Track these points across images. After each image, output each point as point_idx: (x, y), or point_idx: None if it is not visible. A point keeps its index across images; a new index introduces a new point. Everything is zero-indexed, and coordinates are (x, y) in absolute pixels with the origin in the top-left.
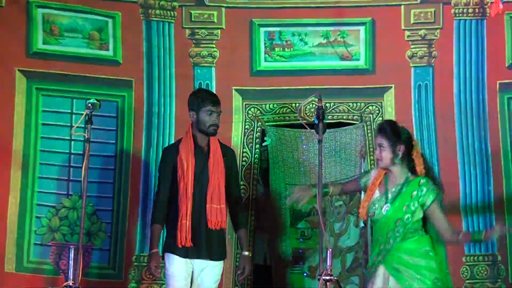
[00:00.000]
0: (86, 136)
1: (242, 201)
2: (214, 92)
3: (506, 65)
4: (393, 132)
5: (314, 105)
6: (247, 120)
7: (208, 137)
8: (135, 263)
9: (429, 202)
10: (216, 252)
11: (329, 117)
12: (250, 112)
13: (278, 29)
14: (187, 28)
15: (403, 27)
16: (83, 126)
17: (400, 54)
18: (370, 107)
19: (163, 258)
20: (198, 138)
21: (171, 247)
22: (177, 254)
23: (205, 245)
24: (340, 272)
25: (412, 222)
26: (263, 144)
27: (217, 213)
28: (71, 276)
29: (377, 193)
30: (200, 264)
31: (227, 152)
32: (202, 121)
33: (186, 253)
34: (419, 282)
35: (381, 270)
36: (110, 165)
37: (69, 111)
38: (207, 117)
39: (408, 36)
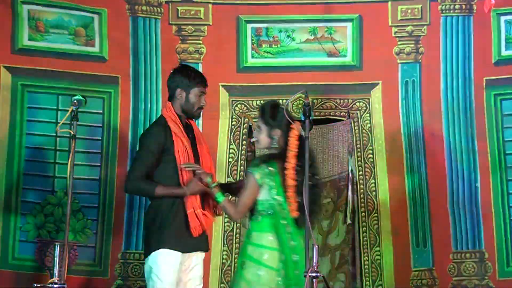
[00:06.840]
0: (72, 133)
1: None
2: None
3: (493, 62)
4: (271, 115)
5: (301, 102)
6: (233, 117)
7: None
8: (121, 260)
9: None
10: (207, 243)
11: (316, 113)
12: (237, 108)
13: (265, 25)
14: (173, 24)
15: (390, 24)
16: (68, 122)
17: (387, 50)
18: (358, 104)
19: (155, 248)
20: (181, 119)
21: (166, 241)
22: (176, 250)
23: (205, 236)
24: (330, 270)
25: None
26: (251, 141)
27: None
28: (56, 273)
29: None
30: (196, 258)
31: None
32: (192, 102)
33: (186, 247)
34: None
35: None
36: (96, 161)
37: (55, 107)
38: (196, 99)
39: (395, 33)
